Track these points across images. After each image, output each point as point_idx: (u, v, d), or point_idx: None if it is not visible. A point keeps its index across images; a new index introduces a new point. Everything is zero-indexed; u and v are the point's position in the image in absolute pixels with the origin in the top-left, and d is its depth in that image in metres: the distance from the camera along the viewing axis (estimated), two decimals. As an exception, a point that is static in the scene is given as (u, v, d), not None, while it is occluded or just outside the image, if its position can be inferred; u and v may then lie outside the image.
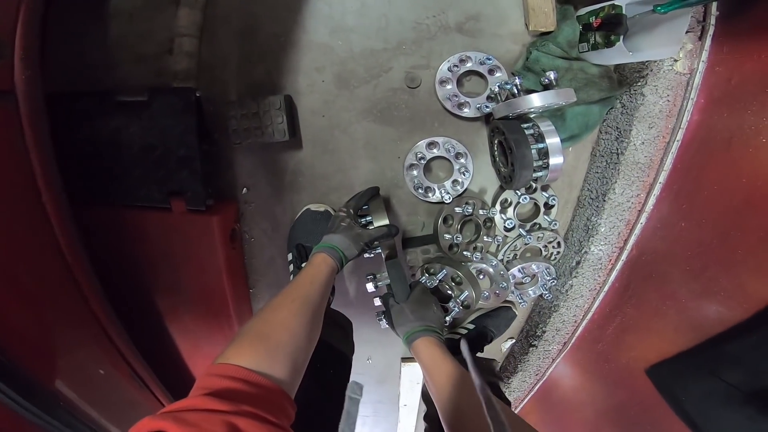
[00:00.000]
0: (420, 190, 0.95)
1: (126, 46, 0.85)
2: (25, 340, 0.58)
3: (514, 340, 1.23)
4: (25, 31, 0.56)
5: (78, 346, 0.69)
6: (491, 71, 0.88)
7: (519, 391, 1.26)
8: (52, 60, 0.78)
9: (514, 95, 0.80)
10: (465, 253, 0.96)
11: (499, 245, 1.01)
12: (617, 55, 0.77)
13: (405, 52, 0.89)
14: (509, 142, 0.80)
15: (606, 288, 1.01)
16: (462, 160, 0.93)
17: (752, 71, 0.70)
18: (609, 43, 0.77)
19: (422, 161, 0.93)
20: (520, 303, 1.06)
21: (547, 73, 0.75)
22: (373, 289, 0.87)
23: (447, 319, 0.93)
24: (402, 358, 1.24)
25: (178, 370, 1.02)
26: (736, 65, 0.73)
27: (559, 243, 1.02)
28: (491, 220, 0.98)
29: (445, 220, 0.94)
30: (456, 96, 0.89)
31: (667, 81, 0.82)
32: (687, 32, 0.76)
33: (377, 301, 0.87)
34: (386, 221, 0.82)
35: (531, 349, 1.14)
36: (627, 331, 0.96)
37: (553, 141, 0.78)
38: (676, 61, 0.80)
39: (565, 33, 0.83)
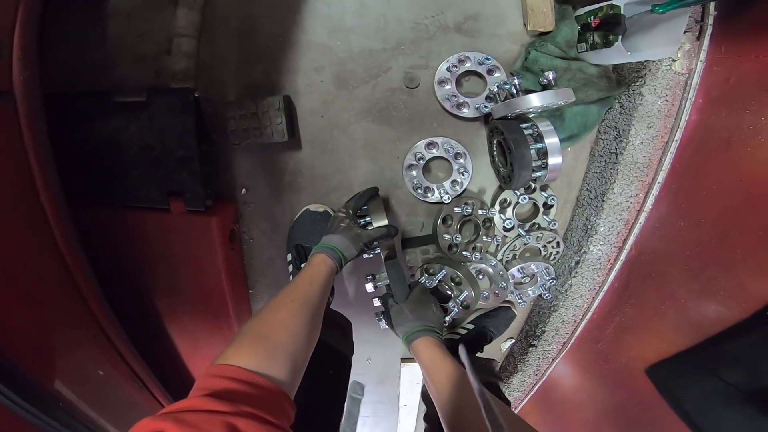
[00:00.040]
0: (419, 191, 0.95)
1: (124, 46, 0.85)
2: (23, 340, 0.57)
3: (513, 340, 1.23)
4: (24, 30, 0.56)
5: (77, 347, 0.69)
6: (490, 71, 0.88)
7: (519, 391, 1.26)
8: (51, 60, 0.78)
9: (512, 95, 0.80)
10: (464, 253, 0.96)
11: (498, 245, 1.01)
12: (616, 55, 0.77)
13: (404, 52, 0.89)
14: (508, 142, 0.80)
15: (605, 288, 1.01)
16: (461, 161, 0.93)
17: (750, 71, 0.70)
18: (607, 43, 0.77)
19: (421, 161, 0.93)
20: (520, 303, 1.06)
21: (546, 73, 0.75)
22: (373, 290, 0.87)
23: (446, 319, 0.93)
24: (402, 359, 1.24)
25: (178, 371, 1.01)
26: (734, 65, 0.74)
27: (558, 243, 1.02)
28: (490, 220, 0.98)
29: (444, 220, 0.94)
30: (455, 96, 0.89)
31: (666, 81, 0.82)
32: (685, 32, 0.77)
33: (376, 302, 0.87)
34: (385, 222, 0.82)
35: (530, 349, 1.14)
36: (626, 330, 0.96)
37: (552, 141, 0.79)
38: (674, 61, 0.80)
39: (563, 33, 0.83)
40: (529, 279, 1.05)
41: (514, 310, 1.12)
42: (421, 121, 0.93)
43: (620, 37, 0.74)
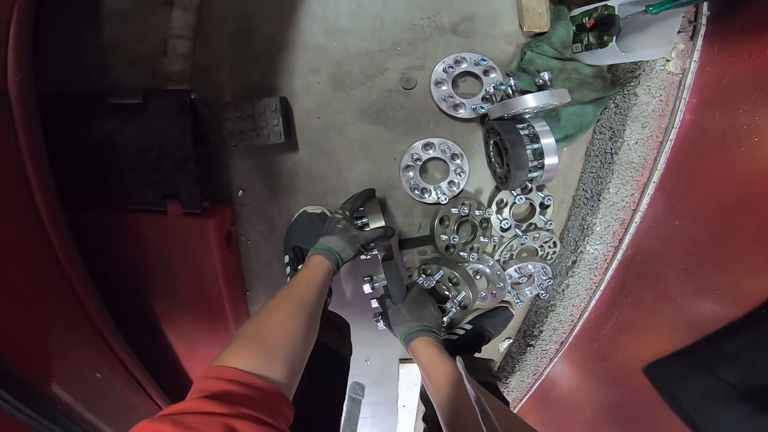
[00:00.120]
0: (416, 191, 0.96)
1: (120, 47, 0.84)
2: (20, 343, 0.57)
3: (511, 340, 1.23)
4: (19, 32, 0.55)
5: (74, 350, 0.68)
6: (486, 72, 0.89)
7: (517, 391, 1.27)
8: (46, 62, 0.77)
9: (508, 96, 0.80)
10: (461, 253, 0.97)
11: (495, 245, 1.01)
12: (610, 55, 0.78)
13: (400, 53, 0.89)
14: (504, 142, 0.80)
15: (602, 287, 1.02)
16: (458, 161, 0.93)
17: (743, 71, 0.70)
18: (602, 44, 0.78)
19: (418, 162, 0.93)
20: (517, 303, 1.06)
21: (542, 74, 0.76)
22: (370, 291, 0.87)
23: (444, 319, 0.93)
24: (400, 359, 1.24)
25: (175, 373, 1.01)
26: (727, 65, 0.74)
27: (555, 243, 1.03)
28: (487, 220, 0.98)
29: (441, 221, 0.95)
30: (451, 97, 0.89)
31: (660, 81, 0.82)
32: (679, 32, 0.77)
33: (374, 303, 0.87)
34: (382, 223, 0.82)
35: (528, 348, 1.14)
36: (624, 329, 0.97)
37: (548, 141, 0.79)
38: (668, 61, 0.81)
39: (558, 34, 0.83)
40: (526, 279, 1.05)
41: (511, 310, 1.12)
42: (418, 122, 0.93)
43: (615, 38, 0.75)
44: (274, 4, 0.85)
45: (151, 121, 0.79)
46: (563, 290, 1.04)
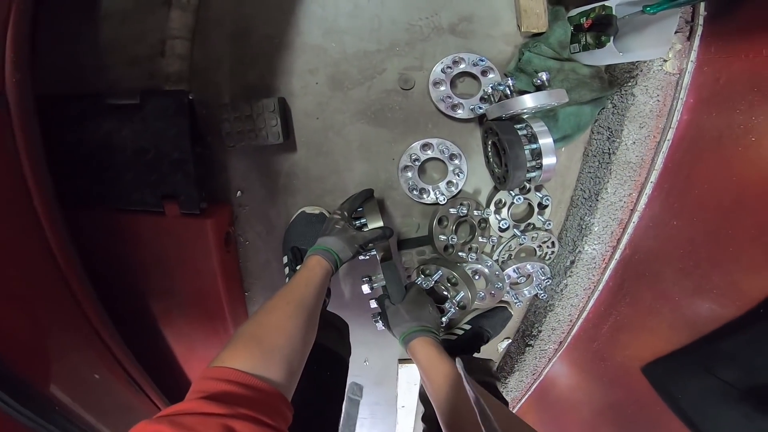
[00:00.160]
0: (414, 192, 0.96)
1: (118, 48, 0.84)
2: (18, 344, 0.57)
3: (510, 340, 1.23)
4: (16, 32, 0.55)
5: (72, 351, 0.68)
6: (484, 72, 0.89)
7: (516, 390, 1.27)
8: (43, 62, 0.77)
9: (507, 96, 0.80)
10: (460, 253, 0.97)
11: (493, 246, 1.01)
12: (608, 55, 0.78)
13: (398, 54, 0.89)
14: (503, 143, 0.80)
15: (600, 287, 1.02)
16: (456, 162, 0.94)
17: (740, 71, 0.71)
18: (600, 44, 0.78)
19: (416, 163, 0.93)
20: (516, 303, 1.06)
21: (540, 74, 0.76)
22: (369, 291, 0.87)
23: (443, 319, 0.93)
24: (399, 360, 1.24)
25: (174, 374, 1.01)
26: (724, 65, 0.74)
27: (553, 243, 1.03)
28: (486, 220, 0.99)
29: (440, 221, 0.95)
30: (449, 97, 0.89)
31: (657, 81, 0.83)
32: (676, 33, 0.77)
33: (373, 303, 0.87)
34: (380, 223, 0.82)
35: (527, 348, 1.14)
36: (622, 329, 0.97)
37: (546, 141, 0.79)
38: (665, 61, 0.81)
39: (556, 34, 0.84)
40: (524, 279, 1.06)
41: (510, 310, 1.12)
42: (416, 122, 0.93)
43: (612, 38, 0.75)
44: (272, 5, 0.85)
45: (149, 121, 0.79)
46: (562, 290, 1.04)
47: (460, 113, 0.90)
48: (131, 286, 0.89)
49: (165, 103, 0.79)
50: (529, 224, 1.00)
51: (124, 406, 0.82)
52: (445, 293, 0.96)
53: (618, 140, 0.87)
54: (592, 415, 1.10)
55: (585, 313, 1.06)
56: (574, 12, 0.83)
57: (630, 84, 0.84)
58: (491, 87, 0.85)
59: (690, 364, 0.79)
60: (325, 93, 0.91)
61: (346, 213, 0.80)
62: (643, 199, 0.90)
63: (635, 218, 0.92)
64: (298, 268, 0.78)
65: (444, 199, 0.93)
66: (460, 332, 1.08)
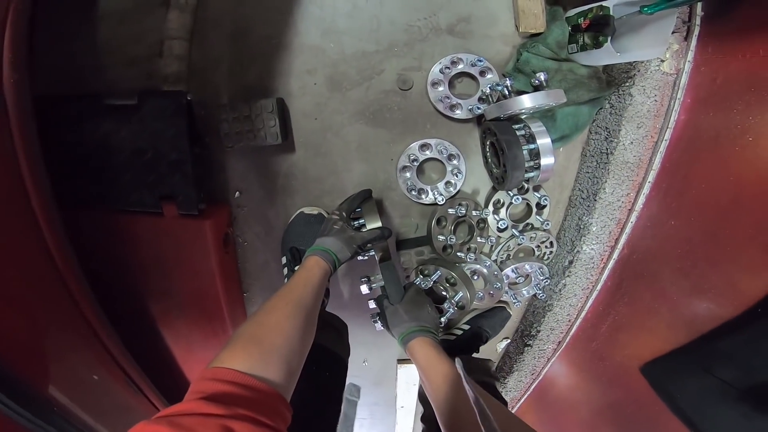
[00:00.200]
0: (413, 192, 0.96)
1: (115, 48, 0.84)
2: (16, 345, 0.57)
3: (509, 340, 1.23)
4: (14, 33, 0.55)
5: (70, 352, 0.68)
6: (482, 73, 0.89)
7: (515, 390, 1.27)
8: (41, 62, 0.77)
9: (505, 96, 0.80)
10: (459, 254, 0.97)
11: (492, 246, 1.01)
12: (605, 55, 0.78)
13: (397, 54, 0.89)
14: (501, 143, 0.80)
15: (599, 287, 1.02)
16: (454, 162, 0.94)
17: (737, 71, 0.71)
18: (597, 44, 0.78)
19: (415, 163, 0.94)
20: (514, 303, 1.06)
21: (538, 75, 0.76)
22: (368, 291, 0.87)
23: (442, 320, 0.93)
24: (398, 360, 1.24)
25: (173, 375, 1.01)
26: (721, 65, 0.75)
27: (551, 243, 1.03)
28: (484, 221, 0.99)
29: (438, 221, 0.95)
30: (448, 98, 0.89)
31: (655, 81, 0.83)
32: (673, 33, 0.78)
33: (372, 303, 0.87)
34: (379, 223, 0.83)
35: (526, 348, 1.14)
36: (620, 329, 0.97)
37: (544, 142, 0.79)
38: (662, 61, 0.81)
39: (554, 34, 0.84)
40: (523, 279, 1.06)
41: (509, 310, 1.12)
42: (415, 122, 0.93)
43: (610, 38, 0.75)
44: (270, 6, 0.85)
45: (147, 122, 0.79)
46: (560, 290, 1.04)
47: (459, 113, 0.90)
48: (130, 287, 0.89)
49: (163, 104, 0.79)
50: (527, 224, 1.00)
51: (123, 406, 0.81)
52: (444, 293, 0.96)
53: (616, 140, 0.87)
54: (591, 415, 1.10)
55: (583, 313, 1.06)
56: (571, 12, 0.83)
57: (627, 84, 0.85)
58: (489, 87, 0.85)
59: (688, 363, 0.80)
60: (324, 93, 0.91)
61: (344, 213, 0.80)
62: (641, 199, 0.91)
63: (633, 218, 0.93)
64: (296, 268, 0.78)
65: (442, 200, 0.93)
66: (459, 332, 1.08)
